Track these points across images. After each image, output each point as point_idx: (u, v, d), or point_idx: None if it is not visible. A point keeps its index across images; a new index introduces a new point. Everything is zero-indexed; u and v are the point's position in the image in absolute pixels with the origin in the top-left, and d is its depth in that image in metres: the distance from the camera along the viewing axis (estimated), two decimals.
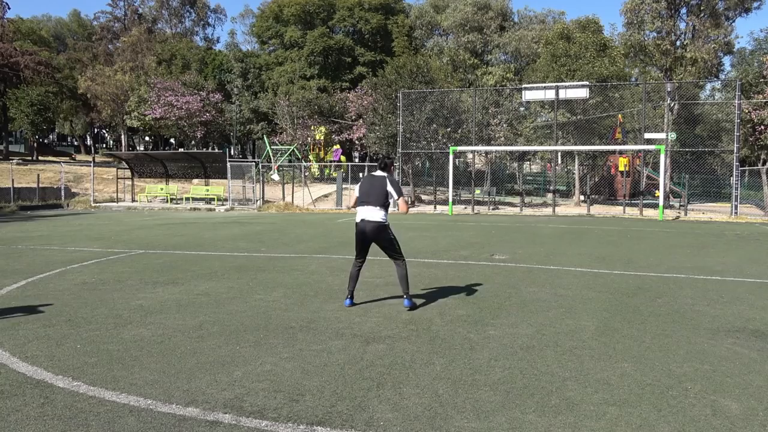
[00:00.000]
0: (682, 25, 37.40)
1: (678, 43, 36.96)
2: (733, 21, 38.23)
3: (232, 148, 55.52)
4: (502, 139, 31.48)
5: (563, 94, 25.26)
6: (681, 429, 3.18)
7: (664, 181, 23.52)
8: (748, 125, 28.95)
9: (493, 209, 26.98)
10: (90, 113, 53.89)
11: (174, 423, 3.23)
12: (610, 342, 4.85)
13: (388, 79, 29.66)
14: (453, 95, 29.87)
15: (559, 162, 42.56)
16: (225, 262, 9.39)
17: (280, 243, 12.22)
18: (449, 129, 28.06)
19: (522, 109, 36.05)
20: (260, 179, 27.89)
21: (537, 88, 26.38)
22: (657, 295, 6.84)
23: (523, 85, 29.12)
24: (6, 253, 10.39)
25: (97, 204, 27.47)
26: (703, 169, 31.68)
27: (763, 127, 28.36)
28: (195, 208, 26.32)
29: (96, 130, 70.87)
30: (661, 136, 26.48)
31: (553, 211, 25.03)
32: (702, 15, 36.17)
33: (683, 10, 37.14)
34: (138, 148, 64.55)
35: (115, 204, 27.93)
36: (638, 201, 25.23)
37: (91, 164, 30.46)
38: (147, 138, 63.83)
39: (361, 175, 31.40)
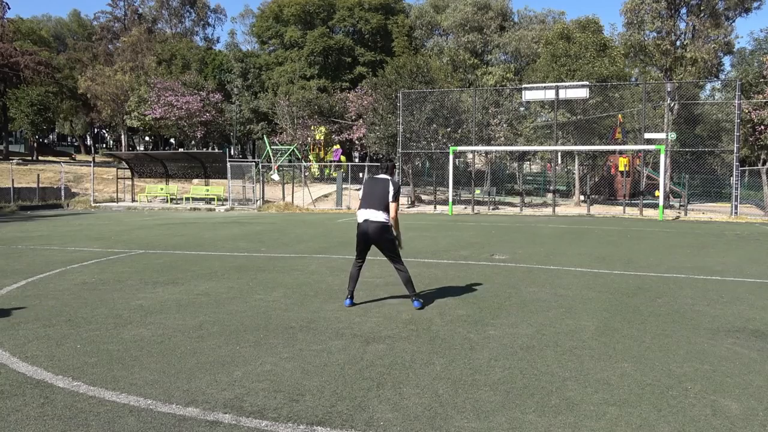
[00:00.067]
0: (682, 25, 37.43)
1: (678, 43, 36.96)
2: (733, 21, 38.27)
3: (232, 148, 55.53)
4: (502, 139, 31.48)
5: (563, 94, 25.26)
6: (681, 429, 3.18)
7: (664, 181, 23.52)
8: (748, 125, 28.95)
9: (493, 209, 26.98)
10: (90, 113, 53.91)
11: (174, 423, 3.23)
12: (610, 342, 4.85)
13: (388, 79, 29.66)
14: (453, 95, 29.87)
15: (559, 162, 42.56)
16: (225, 262, 9.39)
17: (280, 243, 12.22)
18: (449, 129, 28.06)
19: (522, 109, 36.05)
20: (260, 179, 27.89)
21: (537, 88, 26.38)
22: (657, 295, 6.84)
23: (523, 85, 29.13)
24: (6, 253, 10.40)
25: (97, 204, 27.47)
26: (703, 169, 31.68)
27: (763, 127, 28.36)
28: (195, 208, 26.32)
29: (96, 130, 70.90)
30: (661, 136, 26.48)
31: (553, 211, 25.03)
32: (702, 15, 36.17)
33: (683, 10, 37.15)
34: (138, 148, 64.56)
35: (115, 204, 27.93)
36: (638, 201, 25.23)
37: (91, 164, 30.46)
38: (147, 138, 63.85)
39: (361, 175, 31.47)
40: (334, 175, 36.33)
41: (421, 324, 5.39)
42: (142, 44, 53.63)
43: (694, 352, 4.57)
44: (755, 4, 37.09)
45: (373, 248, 6.10)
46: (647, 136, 25.86)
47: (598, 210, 26.01)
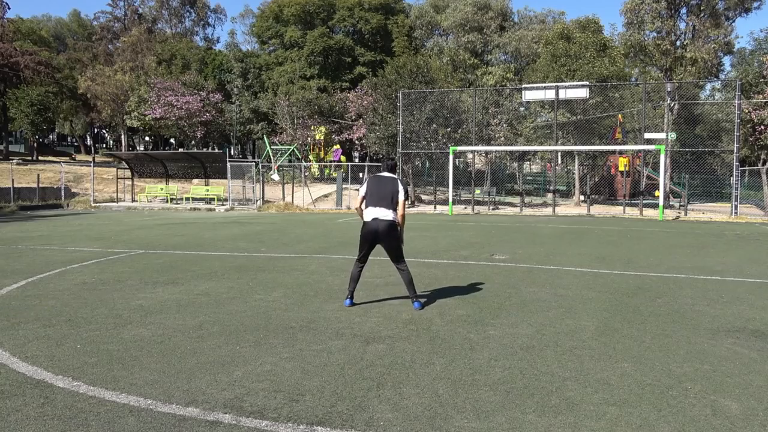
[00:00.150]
0: (682, 25, 37.43)
1: (678, 43, 36.96)
2: (733, 21, 38.27)
3: (232, 148, 55.54)
4: (502, 139, 31.49)
5: (563, 94, 25.26)
6: (681, 429, 3.18)
7: (664, 181, 23.52)
8: (748, 125, 28.96)
9: (493, 209, 26.98)
10: (90, 113, 53.90)
11: (174, 423, 3.23)
12: (610, 342, 4.85)
13: (388, 79, 29.67)
14: (453, 95, 29.87)
15: (559, 162, 42.57)
16: (225, 262, 9.39)
17: (280, 243, 12.22)
18: (449, 129, 28.06)
19: (522, 109, 36.06)
20: (260, 179, 27.90)
21: (537, 88, 26.39)
22: (657, 295, 6.84)
23: (523, 85, 29.13)
24: (6, 253, 10.40)
25: (97, 204, 27.47)
26: (703, 169, 31.68)
27: (763, 127, 28.36)
28: (195, 208, 26.32)
29: (96, 130, 70.90)
30: (661, 136, 26.48)
31: (553, 211, 25.04)
32: (702, 15, 36.17)
33: (683, 10, 37.16)
34: (138, 148, 64.56)
35: (115, 204, 27.93)
36: (638, 201, 25.23)
37: (91, 164, 30.45)
38: (147, 138, 63.85)
39: (361, 175, 31.46)
40: (334, 175, 36.33)
41: (421, 324, 5.39)
42: (142, 44, 53.63)
43: (694, 352, 4.57)
44: (755, 4, 37.12)
45: (375, 248, 6.10)
46: (647, 136, 25.86)
47: (598, 210, 26.01)
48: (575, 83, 26.06)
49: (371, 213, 5.90)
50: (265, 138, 42.22)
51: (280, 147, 38.67)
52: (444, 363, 4.27)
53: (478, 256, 10.27)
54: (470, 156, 33.43)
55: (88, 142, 70.10)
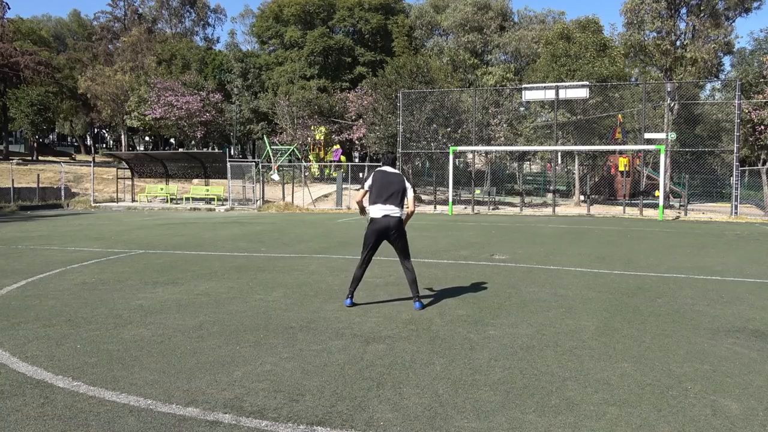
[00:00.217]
0: (682, 25, 37.44)
1: (678, 43, 36.96)
2: (733, 21, 38.29)
3: (232, 148, 55.54)
4: (502, 139, 31.49)
5: (563, 94, 25.26)
6: (681, 429, 3.18)
7: (664, 181, 23.52)
8: (748, 125, 28.96)
9: (493, 209, 26.98)
10: (90, 113, 53.90)
11: (174, 423, 3.23)
12: (610, 342, 4.85)
13: (388, 79, 29.68)
14: (453, 95, 29.88)
15: (559, 162, 42.58)
16: (225, 262, 9.39)
17: (280, 243, 12.22)
18: (449, 129, 28.07)
19: (522, 109, 36.07)
20: (260, 179, 27.90)
21: (537, 88, 26.39)
22: (657, 295, 6.84)
23: (523, 85, 29.13)
24: (6, 253, 10.40)
25: (97, 204, 27.47)
26: (703, 169, 31.69)
27: (763, 127, 28.37)
28: (195, 208, 26.33)
29: (96, 130, 70.90)
30: (661, 136, 26.49)
31: (553, 211, 25.04)
32: (702, 15, 36.17)
33: (683, 10, 37.16)
34: (138, 148, 64.56)
35: (115, 204, 27.93)
36: (638, 201, 25.23)
37: (91, 164, 30.46)
38: (147, 138, 63.85)
39: (361, 175, 31.45)
40: (334, 175, 36.34)
41: (421, 324, 5.39)
42: (142, 44, 53.63)
43: (694, 352, 4.57)
44: (755, 4, 37.13)
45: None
46: (647, 136, 25.86)
47: (598, 210, 26.01)
48: (575, 83, 26.07)
49: (380, 209, 5.85)
50: (265, 138, 42.22)
51: (280, 147, 38.68)
52: (444, 363, 4.27)
53: (478, 256, 10.27)
54: (470, 156, 33.44)
55: (88, 142, 70.10)
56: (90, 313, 5.81)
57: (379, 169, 6.11)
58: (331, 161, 37.88)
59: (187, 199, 28.32)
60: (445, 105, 28.77)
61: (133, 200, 29.40)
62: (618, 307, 6.15)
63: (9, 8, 47.54)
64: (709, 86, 44.05)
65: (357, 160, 49.04)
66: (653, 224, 18.91)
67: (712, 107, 36.82)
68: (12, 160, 35.33)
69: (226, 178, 26.91)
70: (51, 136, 74.96)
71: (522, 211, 26.02)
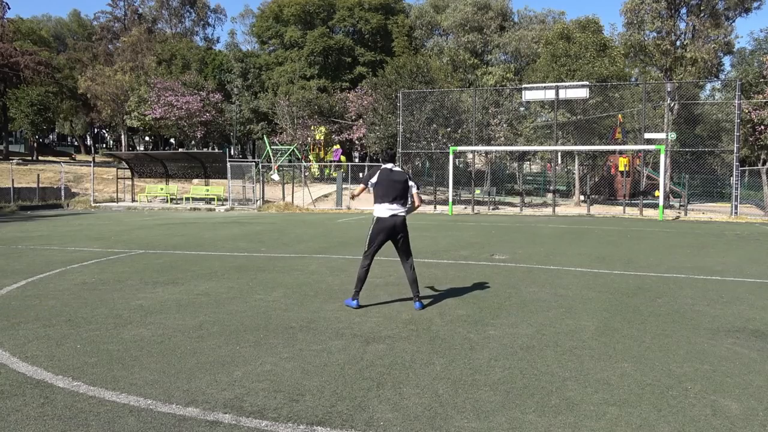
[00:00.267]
0: (682, 25, 37.44)
1: (678, 43, 36.96)
2: (733, 21, 38.28)
3: (232, 148, 55.54)
4: (502, 139, 31.50)
5: (563, 94, 25.27)
6: (681, 429, 3.18)
7: (664, 181, 23.52)
8: (748, 125, 28.97)
9: (493, 209, 26.98)
10: (90, 113, 53.90)
11: (174, 423, 3.23)
12: (610, 342, 4.85)
13: (388, 79, 29.69)
14: (453, 95, 29.89)
15: (559, 162, 42.58)
16: (225, 262, 9.39)
17: (280, 243, 12.22)
18: (449, 129, 28.08)
19: (522, 109, 36.07)
20: (260, 179, 27.90)
21: (537, 88, 26.39)
22: (657, 295, 6.84)
23: (523, 85, 29.14)
24: (6, 253, 10.40)
25: (97, 204, 27.47)
26: (703, 169, 31.69)
27: (763, 127, 28.37)
28: (195, 208, 26.33)
29: (96, 130, 70.89)
30: (661, 136, 26.49)
31: (553, 211, 25.04)
32: (702, 15, 36.17)
33: (683, 10, 37.16)
34: (138, 148, 64.56)
35: (115, 204, 27.93)
36: (638, 201, 25.23)
37: (91, 164, 30.46)
38: (147, 138, 63.85)
39: (361, 174, 31.44)
40: (334, 175, 36.34)
41: (421, 324, 5.39)
42: (142, 44, 53.63)
43: (694, 352, 4.57)
44: (755, 4, 37.12)
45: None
46: (647, 136, 25.87)
47: (598, 210, 26.01)
48: (575, 83, 26.07)
49: (387, 209, 5.85)
50: (265, 138, 42.22)
51: (280, 147, 38.68)
52: (444, 363, 4.27)
53: (478, 256, 10.27)
54: (470, 156, 33.44)
55: (88, 142, 70.09)
56: (90, 313, 5.81)
57: (384, 167, 6.03)
58: (331, 161, 37.88)
59: (187, 199, 28.32)
60: (445, 105, 28.77)
61: (133, 200, 29.40)
62: (618, 307, 6.15)
63: (9, 8, 47.59)
64: (709, 86, 44.09)
65: (357, 160, 49.03)
66: (653, 224, 18.91)
67: (712, 107, 36.83)
68: (12, 160, 35.33)
69: (226, 178, 26.91)
70: (51, 136, 74.97)
71: (522, 211, 26.02)
